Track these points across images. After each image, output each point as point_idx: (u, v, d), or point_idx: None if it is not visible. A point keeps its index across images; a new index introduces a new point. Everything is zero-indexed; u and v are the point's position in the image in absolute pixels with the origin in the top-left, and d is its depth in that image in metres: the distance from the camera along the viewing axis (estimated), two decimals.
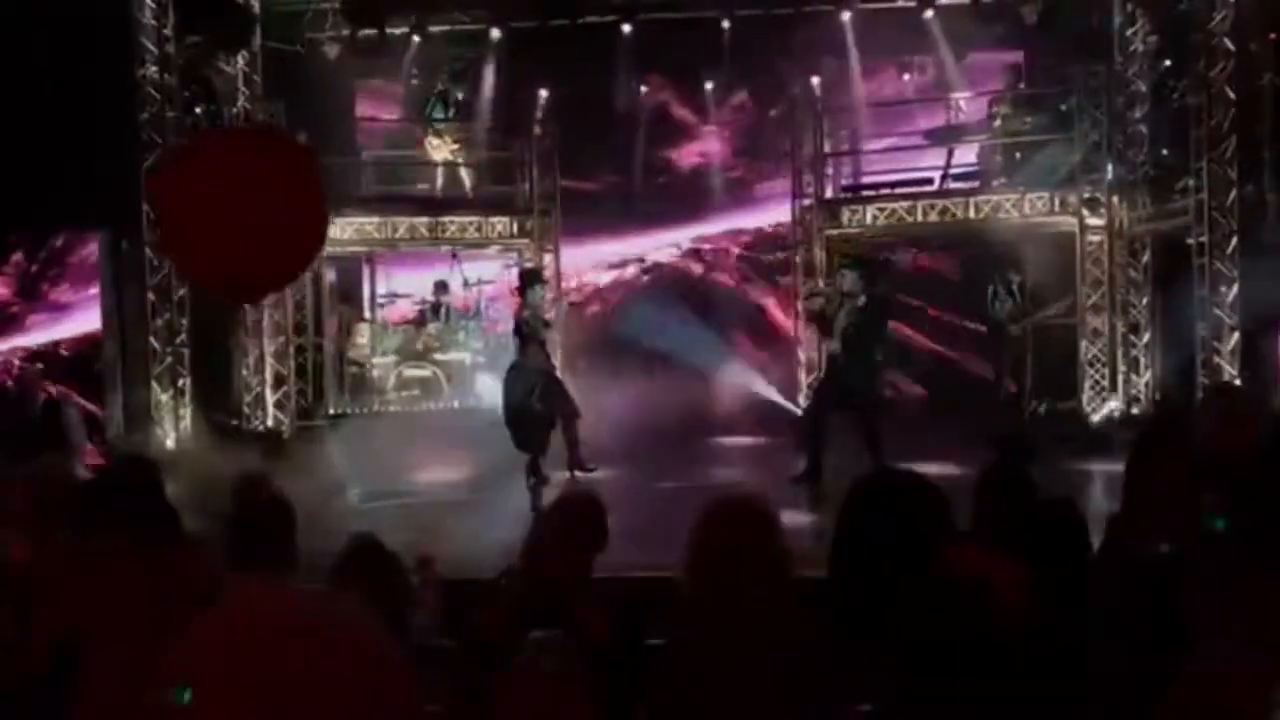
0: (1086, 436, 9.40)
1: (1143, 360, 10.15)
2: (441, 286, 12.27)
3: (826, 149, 11.27)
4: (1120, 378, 10.19)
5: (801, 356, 10.82)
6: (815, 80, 12.34)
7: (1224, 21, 8.51)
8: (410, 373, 11.79)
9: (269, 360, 10.78)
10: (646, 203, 13.31)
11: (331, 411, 11.33)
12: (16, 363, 9.77)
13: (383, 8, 11.02)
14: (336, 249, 11.50)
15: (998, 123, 10.94)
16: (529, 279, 8.27)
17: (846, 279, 7.96)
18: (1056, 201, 10.29)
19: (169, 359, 9.36)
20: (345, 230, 11.18)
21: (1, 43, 8.62)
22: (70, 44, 8.75)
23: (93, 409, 9.48)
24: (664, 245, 13.79)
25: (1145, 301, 10.16)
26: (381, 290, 12.54)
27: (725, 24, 11.67)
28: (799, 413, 9.75)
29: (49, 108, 8.58)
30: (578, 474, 8.14)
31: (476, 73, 12.32)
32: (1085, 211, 10.20)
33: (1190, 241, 8.91)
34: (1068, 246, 10.36)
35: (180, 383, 9.44)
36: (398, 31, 11.79)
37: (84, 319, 10.45)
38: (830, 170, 11.36)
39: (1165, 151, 9.79)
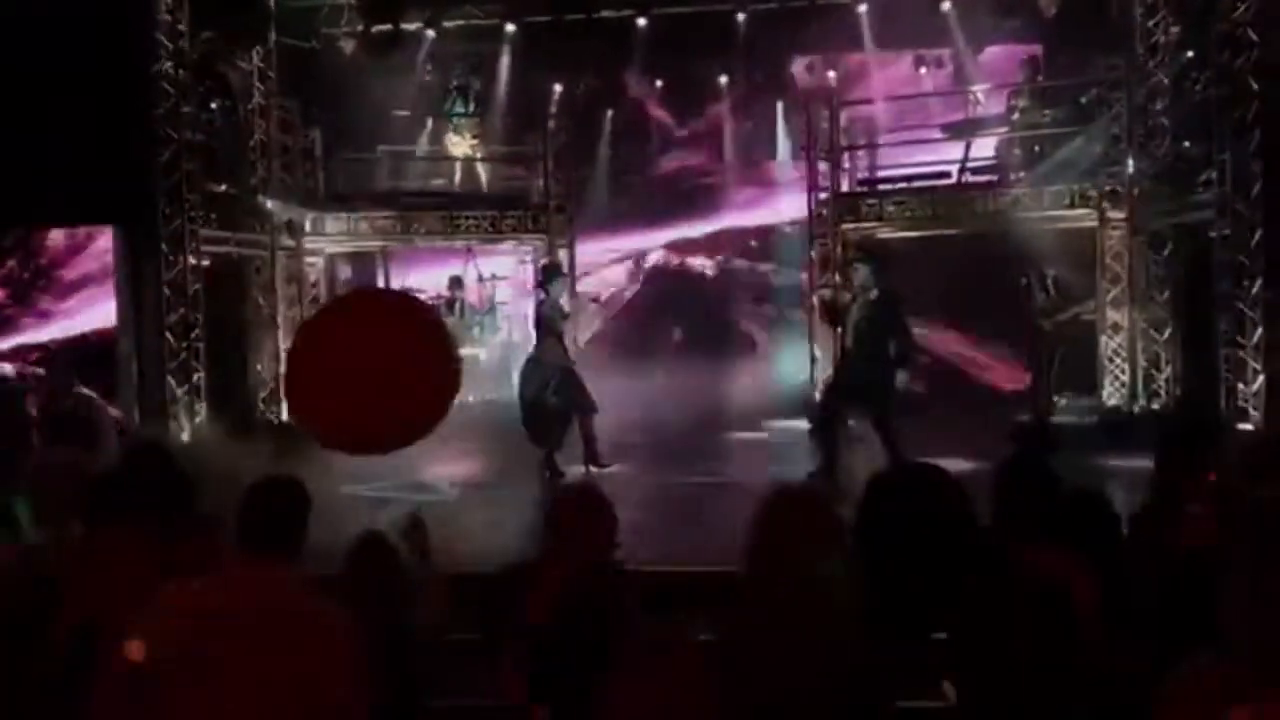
0: (1106, 432, 9.28)
1: (1163, 355, 10.02)
2: (456, 282, 12.27)
3: (843, 143, 11.20)
4: (1141, 373, 10.07)
5: (816, 352, 10.74)
6: (831, 74, 12.26)
7: (1247, 11, 8.36)
8: None
9: (283, 355, 10.78)
10: (659, 198, 13.27)
11: None
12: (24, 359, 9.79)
13: (398, 3, 11.01)
14: (351, 244, 11.52)
15: (1016, 116, 10.83)
16: (550, 273, 8.23)
17: (859, 272, 7.88)
18: (1076, 195, 10.17)
19: (184, 354, 9.37)
20: (360, 225, 11.18)
21: (17, 38, 8.65)
22: (86, 40, 8.76)
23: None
24: (676, 240, 13.73)
25: (1166, 296, 10.04)
26: (396, 286, 12.53)
27: (740, 17, 11.60)
28: (814, 408, 9.68)
29: (64, 103, 8.59)
30: (593, 469, 8.09)
31: (491, 68, 12.30)
32: (1106, 205, 10.08)
33: (1213, 235, 8.79)
34: (1088, 241, 10.24)
35: (195, 378, 9.44)
36: (412, 27, 11.78)
37: (89, 316, 10.47)
38: (847, 164, 11.28)
39: (1187, 144, 9.64)
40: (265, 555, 2.45)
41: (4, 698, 2.76)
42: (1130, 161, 9.99)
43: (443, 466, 8.60)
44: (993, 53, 11.66)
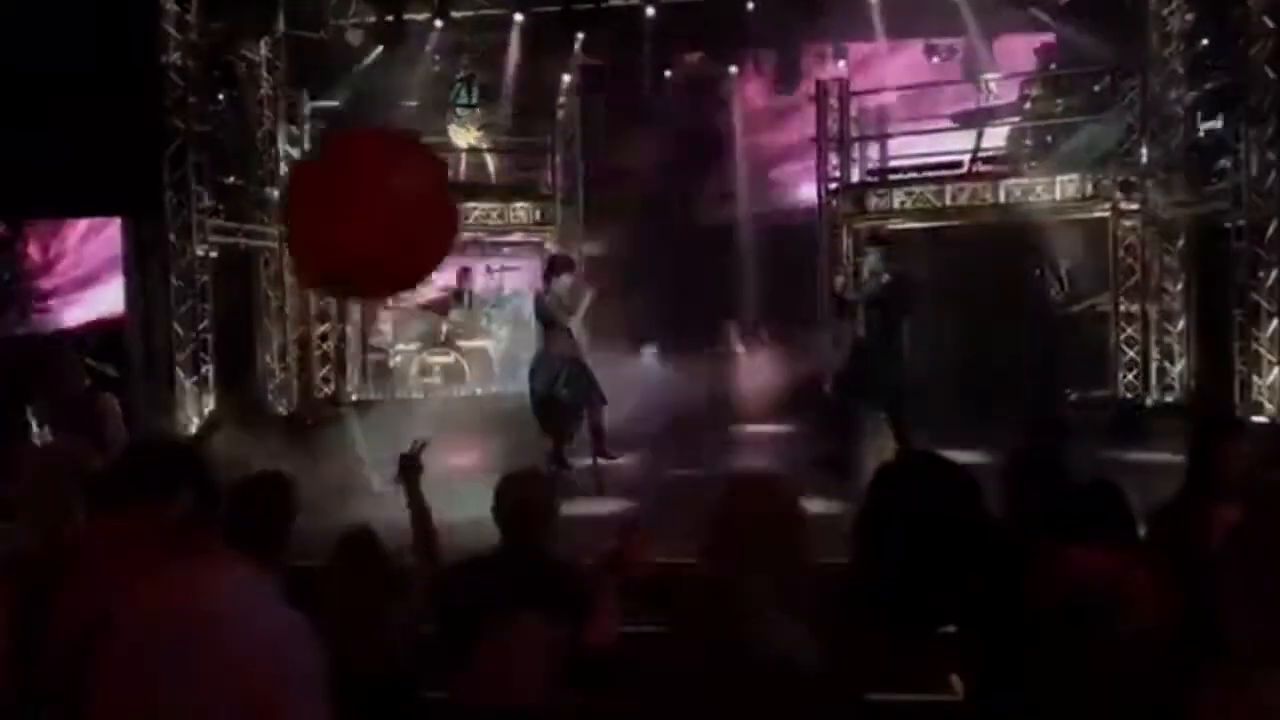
0: (1118, 425, 9.20)
1: (1177, 348, 9.93)
2: (464, 273, 12.24)
3: (853, 132, 11.12)
4: (1154, 365, 9.98)
5: (831, 343, 10.66)
6: (842, 63, 12.17)
7: None
8: (433, 359, 11.77)
9: (292, 346, 10.78)
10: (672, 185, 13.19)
11: (354, 398, 11.33)
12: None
13: None
14: None
15: (1029, 105, 10.73)
16: (557, 265, 8.18)
17: (871, 258, 7.83)
18: (1089, 185, 10.07)
19: (192, 345, 9.37)
20: None
21: (24, 30, 8.64)
22: (93, 31, 8.74)
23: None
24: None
25: (1180, 287, 9.94)
26: None
27: (750, 6, 11.52)
28: (826, 398, 9.62)
29: (71, 93, 8.58)
30: (601, 461, 8.06)
31: (499, 58, 12.25)
32: (1119, 195, 9.98)
33: (1228, 225, 8.69)
34: (1101, 232, 10.14)
35: (203, 369, 9.45)
36: (420, 17, 11.73)
37: (95, 305, 10.47)
38: (857, 154, 11.20)
39: (1202, 133, 9.54)
40: (249, 551, 2.41)
41: (5, 689, 2.74)
42: (1144, 151, 9.88)
43: (450, 458, 8.57)
44: (1005, 41, 11.55)
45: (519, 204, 11.21)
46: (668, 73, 12.84)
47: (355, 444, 9.00)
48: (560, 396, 7.80)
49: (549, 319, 7.91)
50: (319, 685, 2.33)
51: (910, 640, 2.53)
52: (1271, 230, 8.34)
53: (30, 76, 8.57)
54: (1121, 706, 1.91)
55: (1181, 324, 9.90)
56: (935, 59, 12.42)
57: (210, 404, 9.53)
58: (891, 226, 10.52)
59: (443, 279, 12.56)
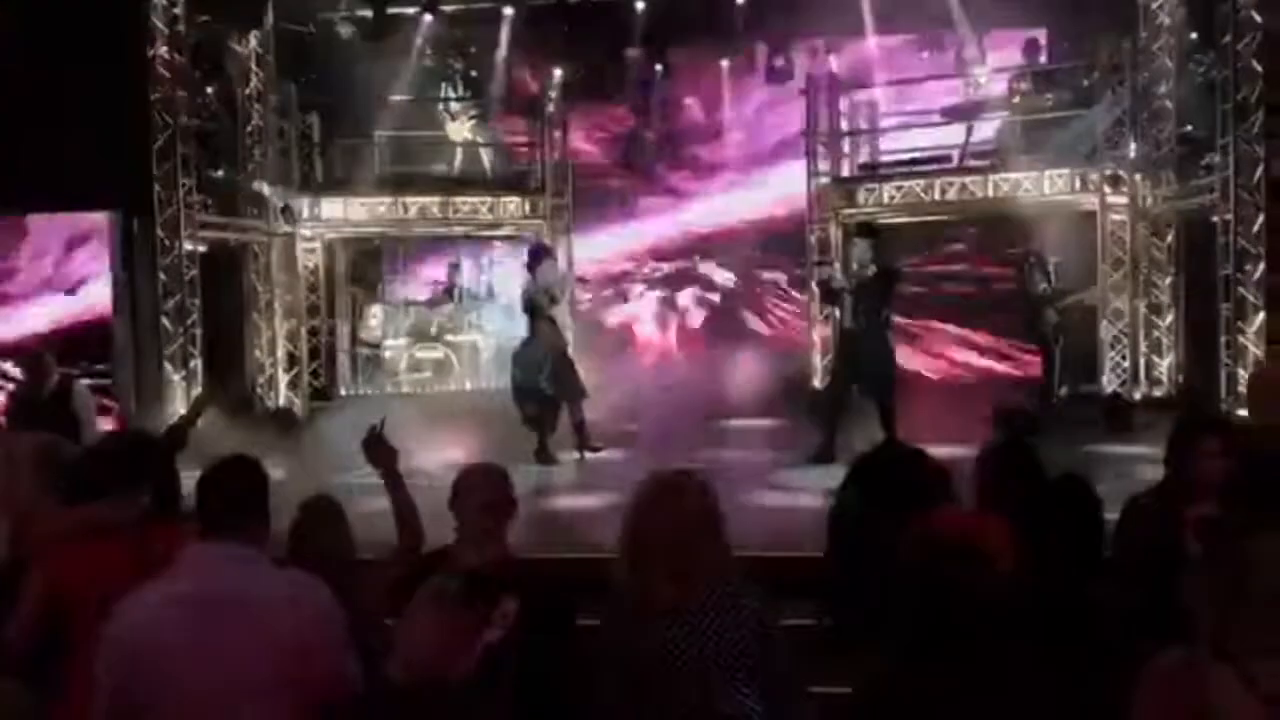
0: (1107, 419, 9.22)
1: (1165, 342, 9.95)
2: (455, 268, 12.24)
3: (844, 127, 11.12)
4: (1142, 360, 10.00)
5: (815, 337, 10.69)
6: (832, 57, 12.16)
7: None
8: (422, 354, 11.77)
9: (281, 341, 10.77)
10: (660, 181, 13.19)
11: (344, 393, 11.33)
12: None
13: None
14: (349, 230, 11.48)
15: (1018, 99, 10.73)
16: (539, 255, 8.18)
17: (857, 249, 7.84)
18: (1078, 179, 10.07)
19: (180, 340, 9.35)
20: (357, 211, 11.14)
21: (11, 23, 8.61)
22: (80, 23, 8.71)
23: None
24: (677, 224, 13.64)
25: (1168, 282, 9.95)
26: (395, 271, 12.55)
27: (740, 0, 11.51)
28: (815, 393, 9.65)
29: (59, 88, 8.55)
30: (585, 455, 8.07)
31: (489, 52, 12.22)
32: (1107, 189, 9.98)
33: (1215, 219, 8.70)
34: (1089, 225, 10.16)
35: (191, 364, 9.43)
36: (410, 11, 11.71)
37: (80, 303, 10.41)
38: (847, 148, 11.20)
39: (1190, 127, 9.55)
40: (224, 536, 2.42)
41: None
42: (1132, 145, 9.89)
43: (437, 453, 8.57)
44: (995, 35, 11.55)
45: (509, 198, 11.20)
46: (659, 66, 12.83)
47: (344, 439, 9.01)
48: (541, 388, 7.80)
49: (535, 309, 7.92)
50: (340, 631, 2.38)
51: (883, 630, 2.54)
52: (1258, 224, 8.35)
53: (16, 70, 8.54)
54: (984, 652, 1.96)
55: (1170, 318, 9.92)
56: (925, 53, 12.42)
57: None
58: (883, 220, 10.55)
59: (433, 274, 12.58)
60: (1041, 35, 11.47)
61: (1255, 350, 8.31)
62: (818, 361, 10.60)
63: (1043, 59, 11.15)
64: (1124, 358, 10.07)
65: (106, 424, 7.86)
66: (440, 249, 12.47)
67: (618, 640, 2.46)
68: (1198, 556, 2.61)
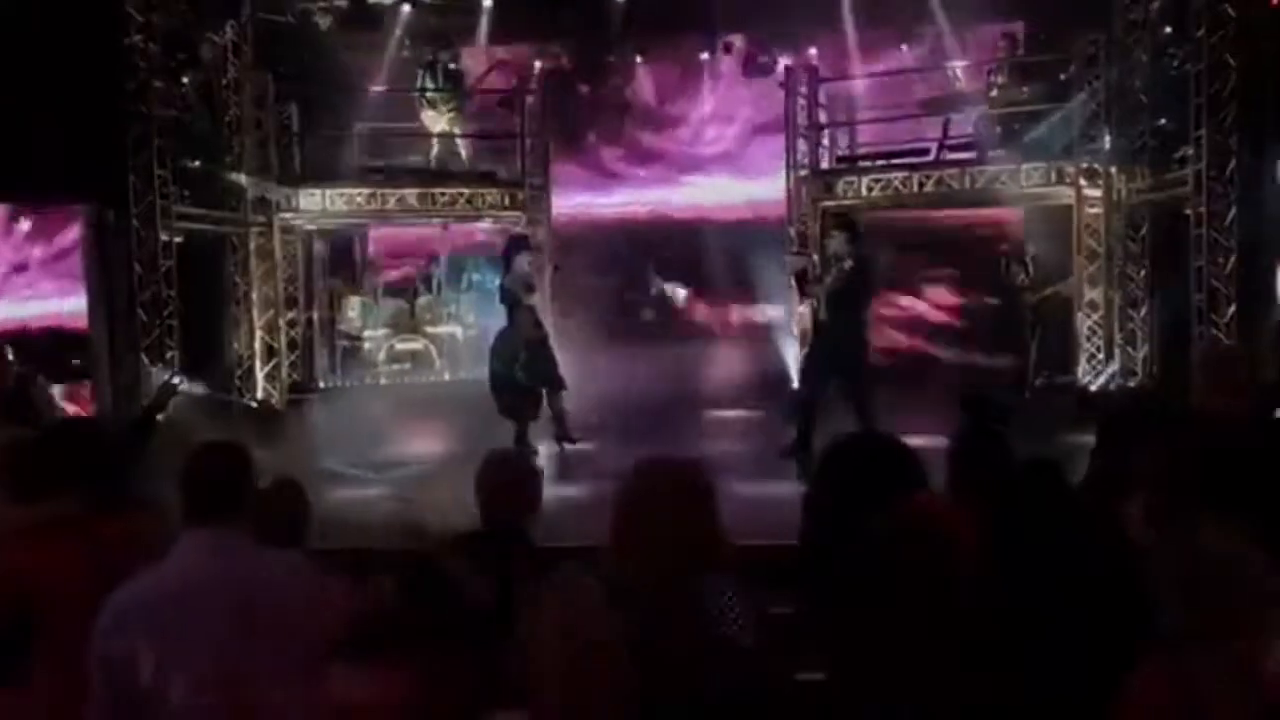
0: (1082, 409, 9.30)
1: (1140, 333, 10.05)
2: (433, 259, 12.20)
3: (822, 119, 11.15)
4: (1117, 351, 10.10)
5: (794, 329, 10.73)
6: (812, 49, 12.19)
7: None
8: (402, 345, 11.74)
9: (259, 333, 10.72)
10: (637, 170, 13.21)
11: (323, 384, 11.29)
12: None
13: None
14: (327, 221, 11.43)
15: (995, 92, 10.79)
16: (515, 246, 8.18)
17: (834, 241, 7.88)
18: (1054, 172, 10.15)
19: (157, 332, 9.29)
20: (335, 202, 11.09)
21: None
22: (52, 12, 8.61)
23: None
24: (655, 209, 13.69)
25: (1143, 274, 10.05)
26: (374, 263, 12.50)
27: None
28: (792, 384, 9.68)
29: (31, 77, 8.45)
30: (565, 446, 8.08)
31: (468, 42, 12.18)
32: (1083, 182, 10.07)
33: (1188, 212, 8.79)
34: (1066, 218, 10.24)
35: (169, 355, 9.37)
36: (389, 1, 11.65)
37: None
38: (826, 141, 11.23)
39: (1164, 121, 9.64)
40: (208, 522, 2.41)
41: None
42: (1108, 138, 9.97)
43: (416, 443, 8.58)
44: (973, 28, 11.62)
45: (488, 189, 11.17)
46: (639, 58, 12.83)
47: (324, 430, 9.01)
48: (517, 378, 7.81)
49: (513, 300, 7.92)
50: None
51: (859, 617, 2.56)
52: (1231, 216, 8.44)
53: None
54: (945, 630, 1.99)
55: (1144, 310, 10.02)
56: (905, 46, 12.48)
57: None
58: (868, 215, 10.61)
59: (411, 265, 12.55)
60: (1019, 29, 11.52)
61: (1227, 341, 8.41)
62: (797, 353, 10.63)
63: (1019, 52, 11.21)
64: (1099, 349, 10.17)
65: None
66: (420, 239, 12.45)
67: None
68: (1148, 545, 2.64)
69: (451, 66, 11.58)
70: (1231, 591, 1.97)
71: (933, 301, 12.79)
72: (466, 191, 11.15)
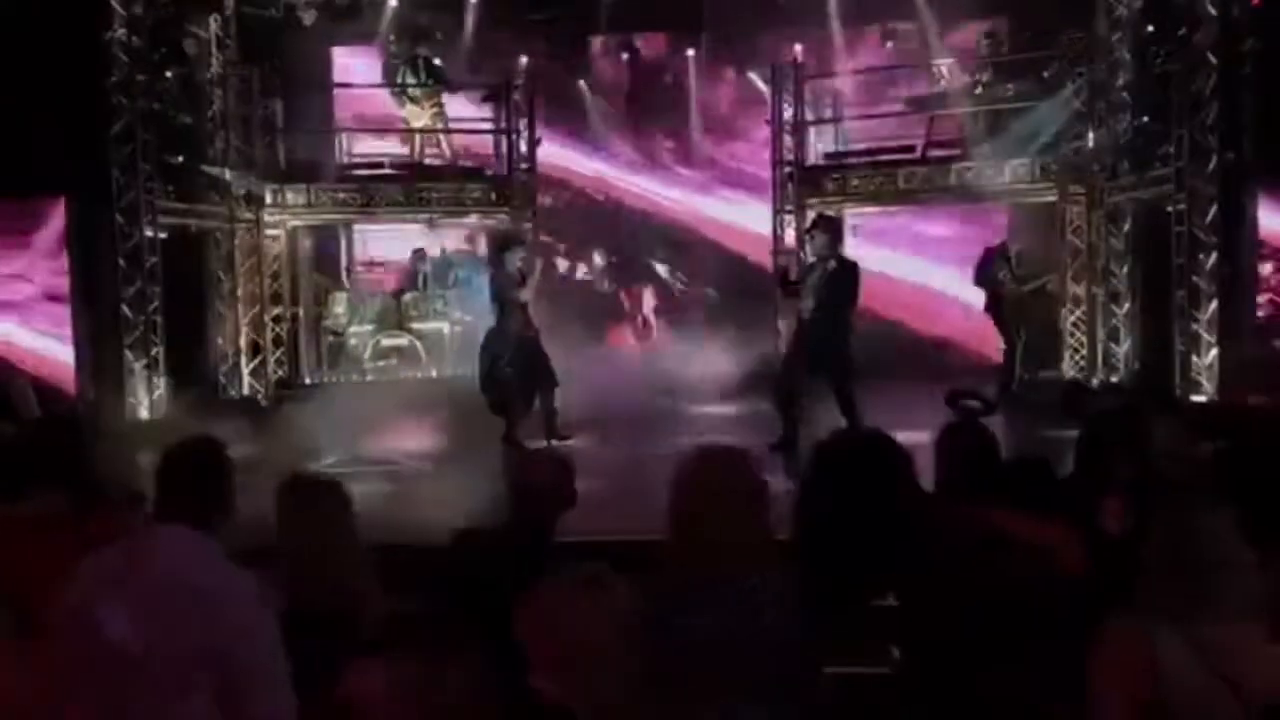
0: (1066, 404, 9.37)
1: (1123, 329, 10.14)
2: (419, 254, 12.17)
3: (809, 117, 11.18)
4: (1100, 346, 10.19)
5: (780, 325, 10.76)
6: (798, 47, 12.21)
7: None
8: (388, 342, 11.71)
9: (244, 329, 10.67)
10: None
11: (308, 381, 11.25)
12: None
13: None
14: (312, 217, 11.38)
15: (979, 89, 10.85)
16: (503, 243, 8.17)
17: (817, 241, 7.91)
18: (1038, 169, 10.22)
19: (141, 328, 9.24)
20: (320, 198, 11.04)
21: None
22: (36, 5, 8.55)
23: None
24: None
25: (1126, 270, 10.14)
26: (359, 257, 12.45)
27: None
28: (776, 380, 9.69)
29: (13, 70, 8.39)
30: (554, 442, 8.08)
31: (454, 37, 12.14)
32: (1067, 179, 10.14)
33: (1170, 209, 8.87)
34: (1049, 214, 10.32)
35: (153, 351, 9.32)
36: None
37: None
38: (812, 138, 11.26)
39: (1147, 118, 9.72)
40: (174, 520, 2.38)
41: None
42: (1091, 136, 10.05)
43: (405, 440, 8.56)
44: (958, 26, 11.67)
45: (474, 185, 11.14)
46: (625, 55, 12.82)
47: (310, 426, 8.98)
48: (505, 375, 7.81)
49: (503, 297, 7.91)
50: (273, 640, 2.32)
51: (850, 613, 2.59)
52: (1212, 213, 8.52)
53: None
54: (1039, 650, 2.00)
55: (1127, 306, 10.10)
56: (890, 43, 12.52)
57: (160, 387, 9.40)
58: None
59: (398, 261, 12.51)
60: (1003, 26, 11.58)
61: (1208, 337, 8.50)
62: (782, 348, 10.66)
63: (1004, 50, 11.26)
64: (1082, 344, 10.25)
65: None
66: (406, 235, 12.41)
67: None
68: (1123, 534, 2.68)
69: (435, 62, 11.54)
70: (1212, 578, 2.01)
71: None
72: (454, 187, 11.11)
